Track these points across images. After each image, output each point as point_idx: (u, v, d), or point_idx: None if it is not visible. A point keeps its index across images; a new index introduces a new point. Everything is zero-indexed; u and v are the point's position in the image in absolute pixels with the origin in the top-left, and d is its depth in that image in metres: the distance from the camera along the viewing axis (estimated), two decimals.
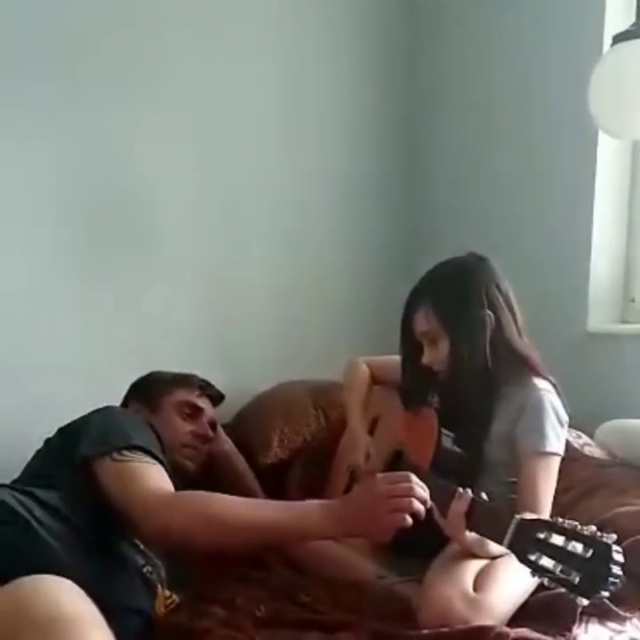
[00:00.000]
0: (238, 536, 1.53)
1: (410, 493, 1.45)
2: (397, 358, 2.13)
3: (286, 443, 2.45)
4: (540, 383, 1.90)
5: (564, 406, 1.91)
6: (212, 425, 2.20)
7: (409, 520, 1.43)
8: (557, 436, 1.86)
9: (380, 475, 1.51)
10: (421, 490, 1.47)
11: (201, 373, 2.23)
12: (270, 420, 2.49)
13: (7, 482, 1.70)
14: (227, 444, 2.30)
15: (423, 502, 1.46)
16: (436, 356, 1.96)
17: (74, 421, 1.80)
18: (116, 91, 2.41)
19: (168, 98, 2.54)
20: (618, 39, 2.19)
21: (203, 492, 1.58)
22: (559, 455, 1.86)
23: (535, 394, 1.88)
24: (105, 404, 1.87)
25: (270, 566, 1.92)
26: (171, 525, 1.51)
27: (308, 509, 1.53)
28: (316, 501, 1.54)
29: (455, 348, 1.92)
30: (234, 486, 2.15)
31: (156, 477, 1.62)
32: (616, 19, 2.57)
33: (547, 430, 1.84)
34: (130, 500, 1.56)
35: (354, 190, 3.12)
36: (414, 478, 1.48)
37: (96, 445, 1.66)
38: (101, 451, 1.65)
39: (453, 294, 1.93)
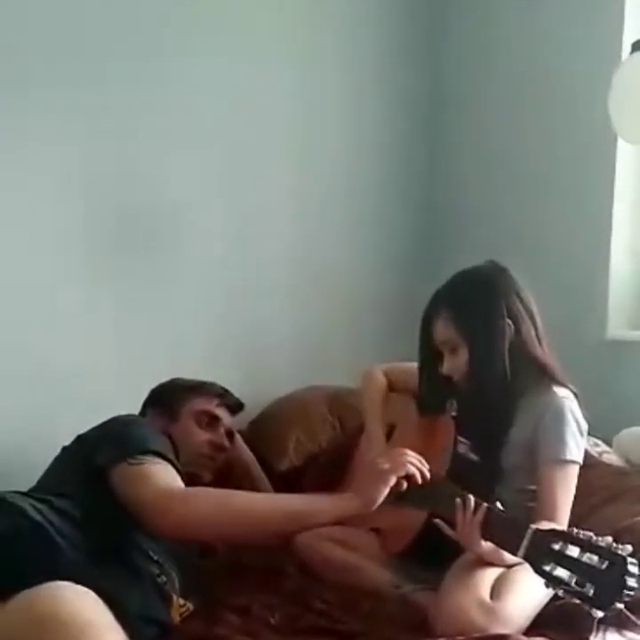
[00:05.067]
0: (254, 526, 1.58)
1: (404, 459, 1.64)
2: (414, 365, 2.13)
3: (302, 449, 2.46)
4: (560, 391, 1.89)
5: (584, 415, 1.90)
6: (230, 435, 2.19)
7: (403, 483, 1.63)
8: (577, 445, 1.85)
9: None
10: (414, 459, 1.65)
11: (218, 379, 2.23)
12: (286, 426, 2.50)
13: (24, 488, 1.71)
14: (245, 453, 2.30)
15: (417, 468, 1.64)
16: (454, 364, 1.95)
17: (90, 430, 1.82)
18: (144, 94, 2.44)
19: (196, 103, 2.57)
20: (637, 47, 2.19)
21: (217, 489, 1.66)
22: (578, 464, 1.85)
23: (555, 402, 1.87)
24: (128, 407, 1.90)
25: (285, 573, 1.92)
26: (187, 517, 1.55)
27: (317, 495, 1.70)
28: None
29: (474, 357, 1.91)
30: None
31: (169, 476, 1.65)
32: (635, 26, 2.56)
33: (567, 438, 1.83)
34: (147, 497, 1.58)
35: (374, 193, 3.13)
36: (408, 451, 1.68)
37: (111, 454, 1.68)
38: (117, 458, 1.66)
39: (473, 303, 1.92)
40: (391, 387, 2.28)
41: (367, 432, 2.25)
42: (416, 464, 1.64)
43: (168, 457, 1.71)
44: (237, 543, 1.72)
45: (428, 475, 1.65)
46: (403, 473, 1.62)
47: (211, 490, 1.64)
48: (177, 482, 1.64)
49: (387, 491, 1.60)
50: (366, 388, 2.29)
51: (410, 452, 1.66)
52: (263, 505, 1.61)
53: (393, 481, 1.60)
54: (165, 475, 1.65)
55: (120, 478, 1.64)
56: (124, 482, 1.63)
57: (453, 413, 2.06)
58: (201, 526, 1.57)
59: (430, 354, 2.01)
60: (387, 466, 1.62)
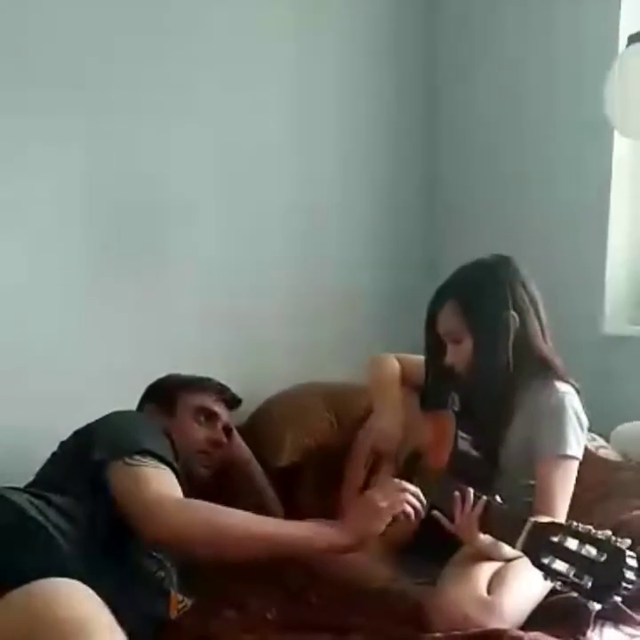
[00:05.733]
0: (243, 547, 1.56)
1: (403, 497, 1.60)
2: (422, 358, 2.13)
3: (299, 445, 2.44)
4: (561, 386, 1.89)
5: (584, 410, 1.89)
6: (227, 430, 2.18)
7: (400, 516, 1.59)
8: (577, 440, 1.85)
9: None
10: (412, 496, 1.61)
11: (216, 376, 2.23)
12: (283, 422, 2.49)
13: (21, 485, 1.71)
14: (243, 450, 2.28)
15: (413, 506, 1.60)
16: (459, 356, 1.95)
17: (88, 425, 1.81)
18: (145, 95, 2.43)
19: (196, 104, 2.56)
20: (633, 39, 2.19)
21: (211, 503, 1.60)
22: (578, 459, 1.85)
23: (557, 396, 1.87)
24: (126, 405, 1.90)
25: (282, 568, 1.91)
26: (178, 530, 1.53)
27: (312, 523, 1.64)
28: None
29: (478, 348, 1.92)
30: (248, 493, 2.16)
31: (166, 482, 1.63)
32: (631, 19, 2.56)
33: (567, 433, 1.83)
34: (139, 503, 1.57)
35: (374, 192, 3.13)
36: (406, 485, 1.62)
37: (108, 450, 1.67)
38: (114, 455, 1.66)
39: (478, 295, 1.93)
40: (402, 376, 2.27)
41: (375, 414, 2.23)
42: (413, 502, 1.61)
43: (165, 457, 1.70)
44: (225, 561, 1.70)
45: (422, 513, 1.62)
46: (400, 510, 1.59)
47: (204, 505, 1.59)
48: (173, 490, 1.63)
49: (382, 528, 1.57)
50: (379, 373, 2.28)
51: (409, 488, 1.63)
52: (258, 531, 1.58)
53: (389, 519, 1.58)
54: (162, 481, 1.63)
55: (116, 477, 1.63)
56: (121, 482, 1.62)
57: (455, 408, 2.06)
58: (189, 542, 1.55)
59: (435, 345, 2.02)
60: (384, 503, 1.59)
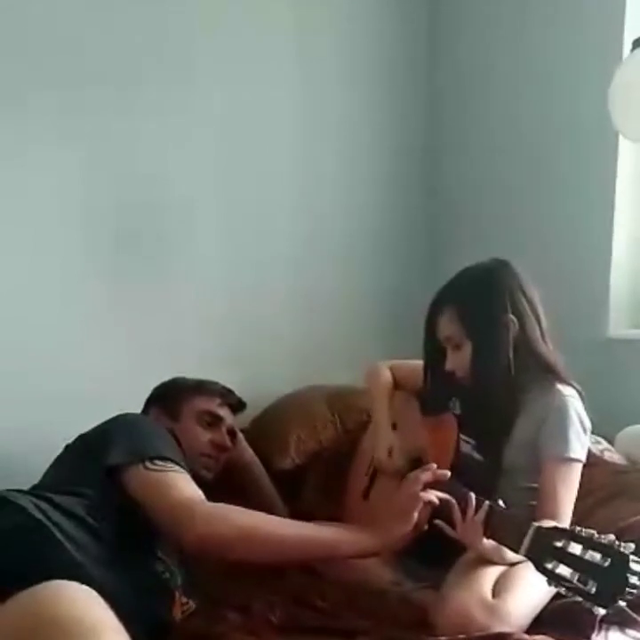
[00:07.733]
0: (274, 552, 1.57)
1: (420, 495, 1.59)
2: (418, 363, 2.13)
3: (303, 448, 2.46)
4: (564, 389, 1.88)
5: (587, 413, 1.89)
6: (232, 434, 2.18)
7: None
8: (581, 443, 1.84)
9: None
10: (428, 478, 1.62)
11: (218, 378, 2.22)
12: (287, 425, 2.50)
13: (25, 487, 1.70)
14: (248, 452, 2.29)
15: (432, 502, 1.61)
16: (459, 361, 1.94)
17: (95, 428, 1.81)
18: (145, 95, 2.45)
19: (197, 103, 2.58)
20: (638, 44, 2.18)
21: (241, 508, 1.60)
22: (581, 462, 1.84)
23: (559, 400, 1.86)
24: (126, 405, 1.91)
25: (286, 571, 1.91)
26: (210, 535, 1.54)
27: (341, 528, 1.64)
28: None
29: (478, 353, 1.91)
30: (253, 495, 2.16)
31: (191, 487, 1.64)
32: (636, 24, 2.56)
33: (570, 436, 1.82)
34: (168, 508, 1.58)
35: (374, 192, 3.13)
36: (419, 476, 1.62)
37: (126, 454, 1.67)
38: (133, 460, 1.66)
39: (477, 299, 1.92)
40: (395, 384, 2.28)
41: (373, 426, 2.26)
42: (429, 497, 1.61)
43: (179, 462, 1.70)
44: (254, 563, 1.71)
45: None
46: (422, 503, 1.59)
47: (235, 511, 1.59)
48: (198, 493, 1.63)
49: (410, 528, 1.58)
50: (373, 384, 2.30)
51: (422, 478, 1.62)
52: (288, 534, 1.58)
53: (415, 518, 1.58)
54: (188, 484, 1.64)
55: (137, 483, 1.64)
56: (144, 488, 1.63)
57: (456, 411, 2.06)
58: (221, 548, 1.56)
59: (435, 350, 2.01)
60: (406, 501, 1.60)
